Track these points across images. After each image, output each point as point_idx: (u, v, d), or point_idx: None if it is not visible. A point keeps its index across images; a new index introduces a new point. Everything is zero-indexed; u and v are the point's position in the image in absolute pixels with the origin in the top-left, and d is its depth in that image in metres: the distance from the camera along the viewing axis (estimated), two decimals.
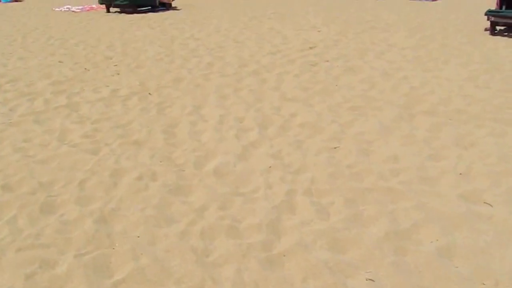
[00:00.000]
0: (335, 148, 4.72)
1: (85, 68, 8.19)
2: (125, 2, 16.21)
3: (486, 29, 10.79)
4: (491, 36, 10.32)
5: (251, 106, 5.96)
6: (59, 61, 8.84)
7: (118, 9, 16.81)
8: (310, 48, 9.32)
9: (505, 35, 10.37)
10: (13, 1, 24.56)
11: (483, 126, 5.22)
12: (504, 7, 10.84)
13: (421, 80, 7.02)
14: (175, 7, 17.45)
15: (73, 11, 17.98)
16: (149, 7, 16.65)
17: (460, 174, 4.17)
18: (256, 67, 7.88)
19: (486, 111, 5.69)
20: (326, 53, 8.83)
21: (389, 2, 17.87)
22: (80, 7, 18.91)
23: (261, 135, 5.06)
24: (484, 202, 3.70)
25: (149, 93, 6.59)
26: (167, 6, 17.16)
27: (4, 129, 5.40)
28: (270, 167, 4.32)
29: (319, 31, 11.34)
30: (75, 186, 4.03)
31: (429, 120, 5.42)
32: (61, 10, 18.59)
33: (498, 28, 10.63)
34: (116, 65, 8.35)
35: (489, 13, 10.48)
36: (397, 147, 4.72)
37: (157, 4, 16.84)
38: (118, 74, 7.73)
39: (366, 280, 2.87)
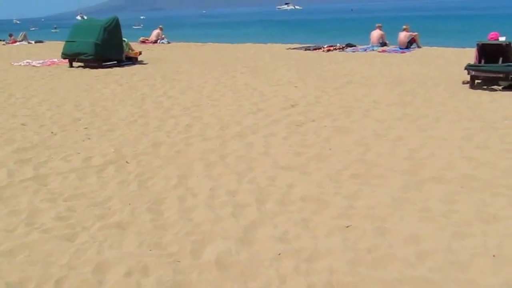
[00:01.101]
0: (347, 227, 4.22)
1: (52, 132, 7.54)
2: (89, 57, 15.70)
3: (464, 82, 10.75)
4: (471, 90, 10.23)
5: (243, 176, 5.44)
6: (22, 124, 8.18)
7: (81, 64, 16.27)
8: (292, 106, 8.95)
9: (485, 88, 10.29)
10: None
11: (499, 195, 4.83)
12: (483, 61, 10.86)
13: (418, 141, 6.67)
14: (141, 61, 17.03)
15: (33, 66, 17.36)
16: (115, 62, 16.18)
17: (494, 256, 3.72)
18: (239, 129, 7.41)
19: (496, 176, 5.32)
20: (310, 112, 8.46)
21: (357, 55, 17.92)
22: (41, 61, 18.31)
23: (260, 212, 4.52)
24: None
25: (127, 162, 6.00)
26: (134, 60, 16.74)
27: None
28: (279, 254, 3.78)
29: (296, 86, 11.05)
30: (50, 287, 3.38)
31: (440, 189, 5.01)
32: (20, 65, 17.94)
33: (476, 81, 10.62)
34: (86, 128, 7.75)
35: (469, 67, 10.48)
36: (414, 224, 4.26)
37: (123, 58, 16.41)
38: (89, 138, 7.12)
39: None
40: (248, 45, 24.66)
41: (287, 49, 20.96)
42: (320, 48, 20.16)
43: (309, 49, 20.14)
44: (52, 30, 68.29)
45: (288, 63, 15.54)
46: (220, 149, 6.44)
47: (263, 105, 9.06)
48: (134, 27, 63.78)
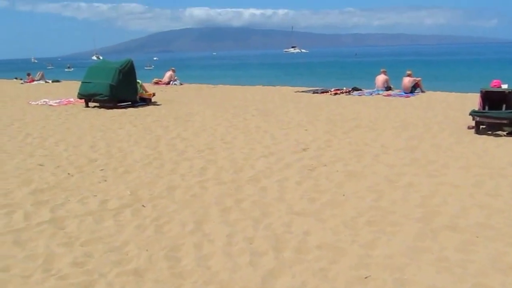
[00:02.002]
0: (366, 278, 4.07)
1: (69, 173, 7.46)
2: (104, 97, 15.78)
3: (469, 127, 10.71)
4: (477, 135, 10.15)
5: (259, 222, 5.30)
6: (39, 164, 8.11)
7: (97, 104, 16.34)
8: (303, 150, 8.86)
9: (490, 134, 10.22)
10: None
11: None
12: (487, 107, 10.86)
13: (429, 187, 6.54)
14: (155, 102, 17.09)
15: (50, 105, 17.44)
16: (129, 102, 16.24)
17: None
18: (253, 173, 7.30)
19: (510, 225, 5.17)
20: (321, 156, 8.36)
21: (364, 98, 17.93)
22: (58, 101, 18.41)
23: (278, 260, 4.37)
24: None
25: (143, 205, 5.88)
26: (147, 101, 16.81)
27: None
28: None
29: (306, 129, 10.98)
30: None
31: (455, 238, 4.86)
32: (38, 104, 18.04)
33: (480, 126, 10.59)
34: (102, 169, 7.66)
35: (474, 113, 10.46)
36: (433, 275, 4.10)
37: (137, 99, 16.48)
38: (105, 180, 7.03)
39: None
40: (258, 87, 24.80)
41: (296, 92, 21.04)
42: (328, 92, 20.21)
43: (317, 92, 20.19)
44: (66, 69, 69.23)
45: (297, 106, 15.54)
46: (235, 193, 6.31)
47: (275, 149, 8.98)
48: (145, 67, 64.62)
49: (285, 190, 6.44)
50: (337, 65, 73.96)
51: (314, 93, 20.17)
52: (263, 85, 25.98)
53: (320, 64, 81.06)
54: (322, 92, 20.14)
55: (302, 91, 21.03)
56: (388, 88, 20.01)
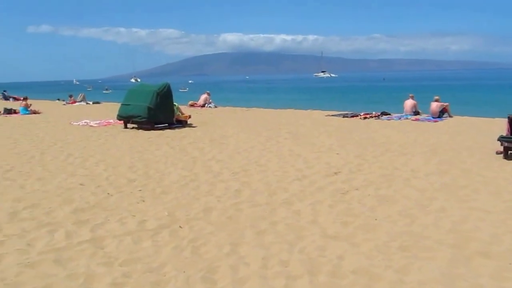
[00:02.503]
0: None
1: (108, 193, 7.53)
2: (142, 119, 15.99)
3: (497, 152, 10.49)
4: (505, 160, 9.92)
5: (293, 245, 5.23)
6: (80, 184, 8.22)
7: (135, 125, 16.57)
8: (335, 173, 8.75)
9: None
10: (31, 113, 24.61)
11: None
12: None
13: (460, 212, 6.37)
14: (191, 124, 17.24)
15: (91, 126, 17.76)
16: (166, 124, 16.41)
17: None
18: (286, 196, 7.24)
19: None
20: (353, 180, 8.25)
21: (392, 123, 17.73)
22: (98, 122, 18.74)
23: (313, 285, 4.29)
24: None
25: (180, 227, 5.87)
26: (184, 123, 16.97)
27: (20, 271, 4.61)
28: None
29: (337, 153, 10.87)
30: None
31: (489, 265, 4.70)
32: (79, 125, 18.39)
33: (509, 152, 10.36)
34: (140, 190, 7.71)
35: (502, 139, 10.29)
36: None
37: (174, 121, 16.65)
38: (144, 201, 7.06)
39: None
40: (289, 111, 24.80)
41: (326, 115, 20.95)
42: (357, 116, 20.05)
43: (347, 116, 20.07)
44: (104, 91, 70.63)
45: (328, 130, 15.45)
46: (270, 216, 6.26)
47: (307, 172, 8.90)
48: (180, 90, 65.48)
49: (318, 213, 6.36)
50: (366, 90, 73.64)
51: (344, 117, 20.05)
52: (295, 109, 25.97)
53: (349, 89, 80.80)
54: (352, 116, 20.00)
55: (333, 115, 20.93)
56: (417, 113, 19.83)
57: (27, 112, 24.73)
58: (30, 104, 26.27)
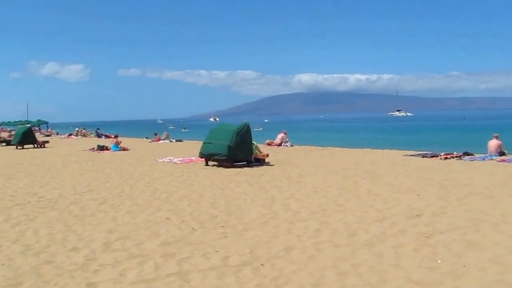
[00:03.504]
0: None
1: (192, 228, 7.68)
2: (223, 157, 16.33)
3: None
4: None
5: None
6: (166, 218, 8.46)
7: (216, 163, 16.93)
8: (417, 216, 8.43)
9: None
10: (121, 150, 25.84)
11: None
12: None
13: None
14: (268, 162, 17.37)
15: (174, 163, 18.34)
16: (245, 162, 16.65)
17: None
18: (367, 237, 7.03)
19: None
20: (436, 223, 7.88)
21: (476, 164, 16.93)
22: (181, 159, 19.33)
23: None
24: None
25: (262, 264, 5.85)
26: (261, 162, 17.13)
27: None
28: None
29: (418, 194, 10.50)
30: None
31: None
32: (163, 161, 19.05)
33: None
34: (222, 226, 7.81)
35: None
36: None
37: (252, 159, 16.86)
38: (226, 237, 7.13)
39: None
40: (366, 150, 24.43)
41: (404, 155, 20.40)
42: (437, 156, 19.35)
43: (426, 156, 19.42)
44: (182, 130, 72.86)
45: (407, 170, 15.01)
46: (351, 257, 6.09)
47: (387, 213, 8.64)
48: (255, 129, 66.35)
49: (401, 256, 6.11)
50: (445, 129, 71.09)
51: (423, 157, 19.42)
52: (371, 148, 25.54)
53: (427, 128, 78.46)
54: (432, 156, 19.32)
55: (411, 155, 20.36)
56: (502, 153, 18.82)
57: (117, 149, 26.02)
58: (120, 142, 27.65)
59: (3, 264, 6.03)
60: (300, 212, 8.85)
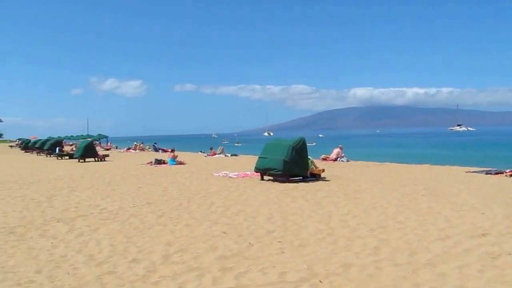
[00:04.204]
0: None
1: (249, 243, 7.72)
2: (278, 172, 16.34)
3: None
4: None
5: None
6: (223, 232, 8.55)
7: (271, 177, 16.96)
8: (483, 235, 8.10)
9: None
10: (178, 164, 26.36)
11: None
12: None
13: None
14: (324, 177, 17.22)
15: (230, 177, 18.52)
16: (301, 177, 16.59)
17: None
18: (429, 256, 6.80)
19: None
20: (503, 243, 7.53)
21: None
22: (236, 173, 19.49)
23: None
24: None
25: (320, 281, 5.79)
26: (317, 177, 17.01)
27: None
28: None
29: (483, 213, 10.09)
30: None
31: None
32: (219, 175, 19.27)
33: None
34: (279, 241, 7.79)
35: None
36: None
37: (308, 174, 16.77)
38: (283, 252, 7.11)
39: None
40: (425, 166, 23.78)
41: (466, 172, 19.72)
42: (502, 173, 18.55)
43: (490, 173, 18.67)
44: (236, 144, 73.48)
45: (469, 187, 14.47)
46: (412, 277, 5.91)
47: (450, 232, 8.34)
48: (308, 144, 66.01)
49: (466, 278, 5.87)
50: (510, 144, 68.13)
51: (487, 173, 18.69)
52: (431, 164, 24.85)
53: (490, 143, 75.55)
54: (496, 173, 18.55)
55: (473, 171, 19.64)
56: None
57: (174, 163, 26.58)
58: (177, 156, 28.23)
59: (68, 273, 6.28)
60: (358, 228, 8.71)
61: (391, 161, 27.44)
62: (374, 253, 7.04)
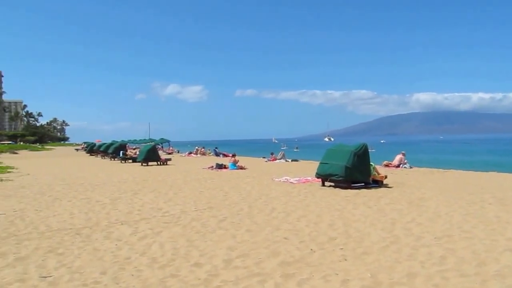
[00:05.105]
0: None
1: (311, 249, 7.66)
2: (340, 178, 16.14)
3: None
4: None
5: None
6: (285, 238, 8.53)
7: (332, 184, 16.78)
8: None
9: None
10: (238, 169, 26.61)
11: None
12: None
13: None
14: (386, 184, 16.85)
15: (291, 182, 18.48)
16: (362, 184, 16.32)
17: None
18: (498, 267, 6.51)
19: None
20: None
21: None
22: (297, 179, 19.44)
23: None
24: None
25: None
26: (380, 184, 16.67)
27: None
28: None
29: None
30: None
31: None
32: (280, 181, 19.28)
33: None
34: (341, 248, 7.69)
35: None
36: None
37: (370, 181, 16.48)
38: (346, 260, 7.01)
39: None
40: (492, 174, 22.79)
41: None
42: None
43: None
44: (294, 150, 73.20)
45: None
46: None
47: None
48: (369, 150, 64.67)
49: None
50: None
51: None
52: (498, 172, 23.77)
53: None
54: None
55: None
56: None
57: (235, 168, 26.87)
58: (238, 160, 28.52)
59: (132, 275, 6.46)
60: (422, 237, 8.45)
61: (456, 168, 26.47)
62: (440, 262, 6.81)
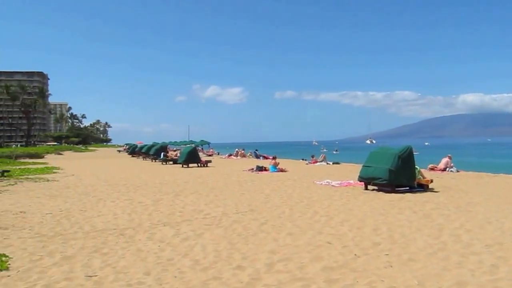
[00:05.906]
0: None
1: (355, 254, 7.55)
2: (383, 181, 15.87)
3: None
4: None
5: None
6: (328, 242, 8.44)
7: (375, 187, 16.52)
8: None
9: None
10: (279, 171, 26.58)
11: None
12: None
13: None
14: (432, 188, 16.46)
15: (332, 186, 18.31)
16: (407, 188, 15.99)
17: None
18: None
19: None
20: None
21: None
22: (339, 182, 19.24)
23: None
24: None
25: None
26: (425, 188, 16.30)
27: None
28: None
29: None
30: None
31: None
32: (321, 184, 19.13)
33: None
34: (387, 254, 7.54)
35: None
36: None
37: (415, 185, 16.13)
38: (391, 266, 6.86)
39: None
40: None
41: None
42: None
43: None
44: (334, 152, 72.52)
45: None
46: None
47: None
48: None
49: None
50: None
51: None
52: None
53: None
54: None
55: None
56: None
57: (275, 170, 26.84)
58: (278, 163, 28.48)
59: (175, 277, 6.52)
60: (472, 244, 8.19)
61: (507, 173, 25.56)
62: (491, 271, 6.58)
